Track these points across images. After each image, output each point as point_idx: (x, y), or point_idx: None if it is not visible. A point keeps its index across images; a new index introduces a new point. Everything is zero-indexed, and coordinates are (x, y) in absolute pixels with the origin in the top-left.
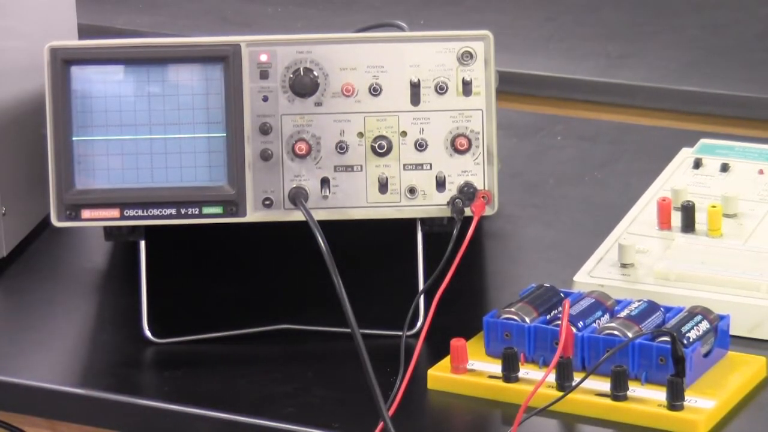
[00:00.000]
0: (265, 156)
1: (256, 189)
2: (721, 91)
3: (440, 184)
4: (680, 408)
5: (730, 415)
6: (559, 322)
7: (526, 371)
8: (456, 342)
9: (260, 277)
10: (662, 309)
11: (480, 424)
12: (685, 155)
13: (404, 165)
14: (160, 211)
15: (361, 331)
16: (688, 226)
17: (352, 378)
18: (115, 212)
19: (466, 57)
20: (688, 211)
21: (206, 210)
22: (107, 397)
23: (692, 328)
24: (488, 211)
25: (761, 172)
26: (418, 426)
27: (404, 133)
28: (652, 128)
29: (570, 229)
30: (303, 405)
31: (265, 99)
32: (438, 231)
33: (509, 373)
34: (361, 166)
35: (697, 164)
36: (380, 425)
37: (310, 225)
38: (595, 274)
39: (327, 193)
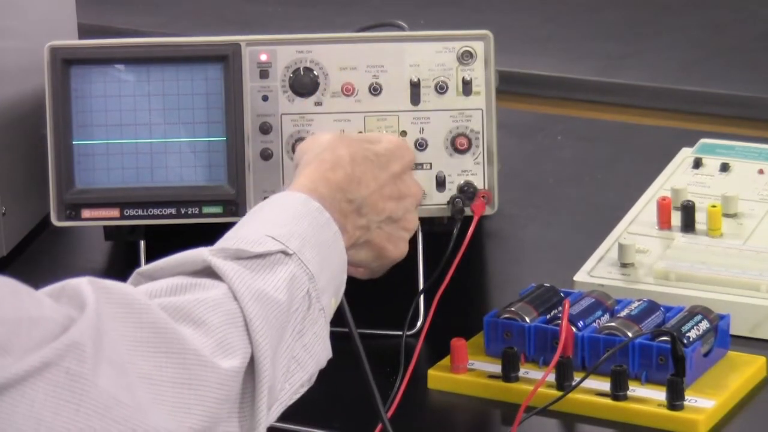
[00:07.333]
0: (266, 155)
1: (257, 189)
2: (721, 91)
3: (440, 184)
4: (680, 408)
5: (730, 415)
6: (559, 321)
7: (526, 371)
8: (456, 342)
9: None
10: (662, 309)
11: (480, 424)
12: (685, 155)
13: None
14: (160, 211)
15: (361, 331)
16: (688, 225)
17: (352, 378)
18: (115, 212)
19: (466, 57)
20: (688, 211)
21: (206, 210)
22: None
23: (692, 327)
24: (488, 211)
25: (761, 172)
26: (418, 426)
27: (404, 133)
28: (652, 128)
29: (570, 229)
30: (303, 405)
31: (265, 98)
32: (438, 231)
33: (509, 373)
34: None
35: (697, 164)
36: (380, 426)
37: None
38: (595, 274)
39: None
